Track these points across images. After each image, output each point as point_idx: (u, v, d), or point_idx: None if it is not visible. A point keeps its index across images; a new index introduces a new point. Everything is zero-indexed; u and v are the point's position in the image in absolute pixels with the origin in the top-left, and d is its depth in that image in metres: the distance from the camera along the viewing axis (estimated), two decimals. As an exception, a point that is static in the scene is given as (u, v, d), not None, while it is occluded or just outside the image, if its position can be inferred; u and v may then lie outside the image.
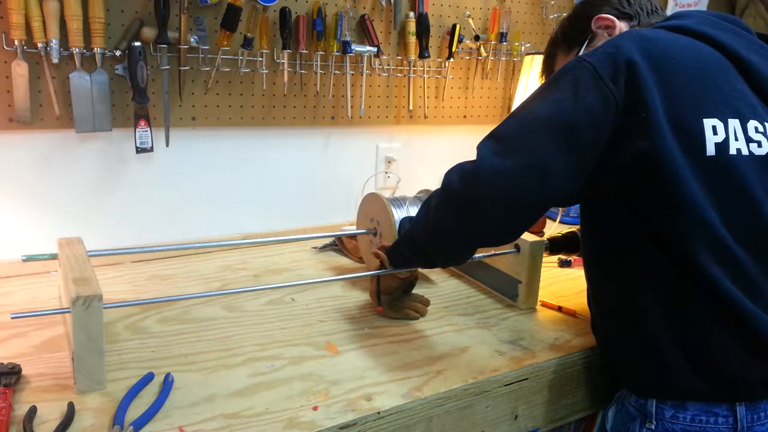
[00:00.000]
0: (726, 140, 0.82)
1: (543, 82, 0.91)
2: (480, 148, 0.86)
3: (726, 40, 0.88)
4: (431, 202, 0.93)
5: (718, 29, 0.90)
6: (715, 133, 0.81)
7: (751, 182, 0.82)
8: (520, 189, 0.82)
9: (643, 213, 0.84)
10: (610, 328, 0.95)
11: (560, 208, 1.61)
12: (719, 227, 0.80)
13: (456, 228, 0.89)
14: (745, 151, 0.82)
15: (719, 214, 0.80)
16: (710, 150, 0.81)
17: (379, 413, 0.82)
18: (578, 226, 1.04)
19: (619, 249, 0.89)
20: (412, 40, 1.56)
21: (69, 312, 0.81)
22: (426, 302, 1.14)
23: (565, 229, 1.31)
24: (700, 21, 0.91)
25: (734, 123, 0.83)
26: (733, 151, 0.82)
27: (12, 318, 0.82)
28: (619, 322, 0.91)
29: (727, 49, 0.88)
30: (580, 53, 1.01)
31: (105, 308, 0.81)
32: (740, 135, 0.83)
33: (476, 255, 1.14)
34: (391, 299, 1.11)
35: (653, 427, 0.86)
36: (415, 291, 1.15)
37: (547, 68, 1.14)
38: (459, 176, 0.87)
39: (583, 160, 0.82)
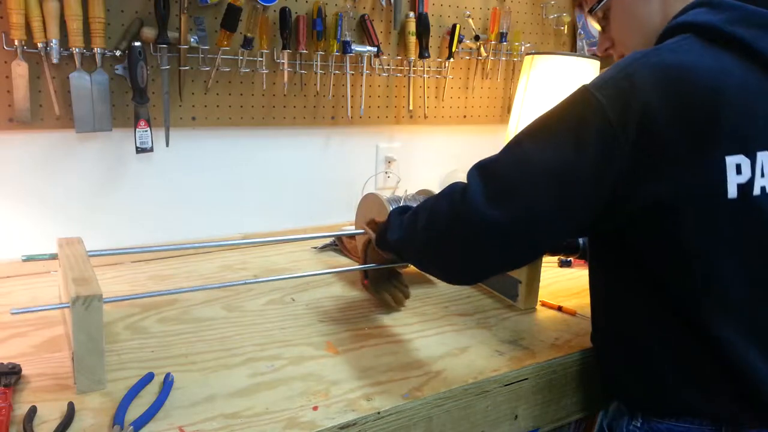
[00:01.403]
0: (751, 180, 0.73)
1: (549, 108, 0.80)
2: (471, 180, 0.81)
3: (762, 46, 0.76)
4: (418, 224, 0.88)
5: (755, 27, 0.77)
6: (738, 172, 0.73)
7: None
8: (509, 245, 0.79)
9: (647, 263, 0.80)
10: (609, 347, 0.94)
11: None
12: (729, 279, 0.76)
13: (436, 260, 0.88)
14: None
15: (734, 262, 0.75)
16: (732, 193, 0.73)
17: (379, 413, 0.82)
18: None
19: (624, 288, 0.86)
20: (412, 40, 1.56)
21: (69, 307, 0.81)
22: (406, 294, 1.14)
23: (565, 229, 1.31)
24: (733, 18, 0.78)
25: (762, 156, 0.74)
26: (757, 191, 0.74)
27: (12, 313, 0.82)
28: (619, 347, 0.91)
29: (762, 58, 0.76)
30: None
31: (105, 302, 0.81)
32: (767, 170, 0.74)
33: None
34: (378, 275, 1.11)
35: (639, 424, 0.87)
36: (414, 291, 1.15)
37: None
38: (449, 209, 0.82)
39: (581, 214, 0.77)
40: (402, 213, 0.98)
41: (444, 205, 0.84)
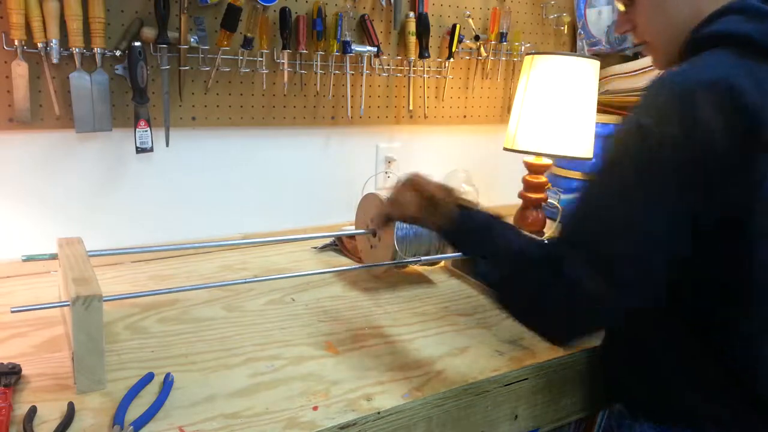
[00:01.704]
0: None
1: (608, 157, 0.78)
2: (565, 258, 0.74)
3: None
4: (515, 285, 0.81)
5: None
6: None
7: None
8: (614, 313, 0.77)
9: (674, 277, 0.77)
10: (614, 348, 0.94)
11: (559, 207, 1.60)
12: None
13: (531, 324, 0.82)
14: None
15: None
16: None
17: (379, 413, 0.83)
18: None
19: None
20: (412, 40, 1.56)
21: (69, 305, 0.81)
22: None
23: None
24: None
25: None
26: None
27: (12, 311, 0.82)
28: (623, 349, 0.91)
29: None
30: None
31: (105, 300, 0.81)
32: None
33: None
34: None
35: (644, 428, 0.87)
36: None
37: None
38: (551, 286, 0.75)
39: (678, 255, 0.75)
40: (490, 228, 0.86)
41: (543, 284, 0.77)
